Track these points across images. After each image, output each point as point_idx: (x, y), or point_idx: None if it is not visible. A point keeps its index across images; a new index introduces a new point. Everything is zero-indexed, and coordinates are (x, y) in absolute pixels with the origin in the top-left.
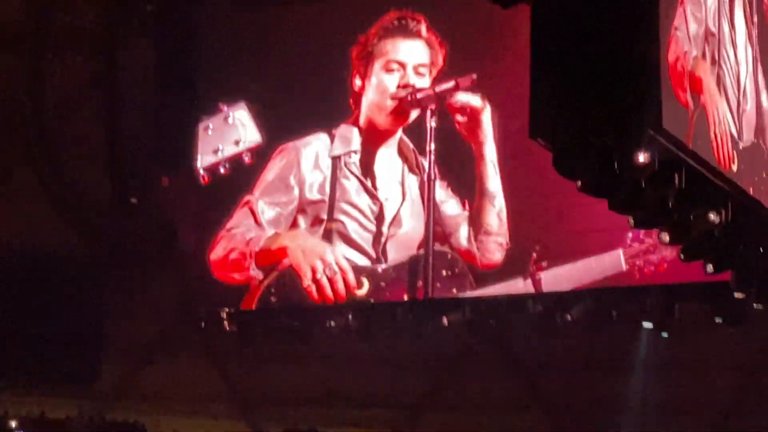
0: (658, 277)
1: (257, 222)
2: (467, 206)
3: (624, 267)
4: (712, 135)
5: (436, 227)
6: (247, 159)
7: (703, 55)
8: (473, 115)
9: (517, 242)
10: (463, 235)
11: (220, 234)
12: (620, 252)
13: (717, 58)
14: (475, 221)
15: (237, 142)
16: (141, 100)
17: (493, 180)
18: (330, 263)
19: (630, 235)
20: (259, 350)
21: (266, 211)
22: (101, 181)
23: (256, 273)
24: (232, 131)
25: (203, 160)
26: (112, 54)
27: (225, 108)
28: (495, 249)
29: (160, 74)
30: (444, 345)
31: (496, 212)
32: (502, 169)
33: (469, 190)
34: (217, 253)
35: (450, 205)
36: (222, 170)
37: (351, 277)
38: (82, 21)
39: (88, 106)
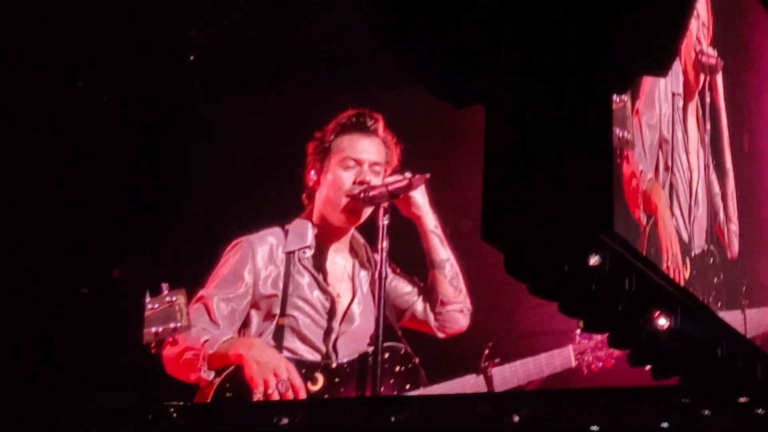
0: (605, 373)
1: (212, 319)
2: (418, 283)
3: (573, 363)
4: (664, 246)
5: (391, 311)
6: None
7: (657, 170)
8: (404, 193)
9: (471, 338)
10: (419, 309)
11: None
12: (570, 348)
13: (670, 164)
14: (430, 294)
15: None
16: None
17: (440, 250)
18: (283, 379)
19: (578, 331)
20: None
21: (221, 307)
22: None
23: (206, 375)
24: (170, 315)
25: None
26: (76, 135)
27: (166, 290)
28: (457, 317)
29: (126, 162)
30: None
31: (448, 281)
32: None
33: (421, 268)
34: (171, 350)
35: (400, 283)
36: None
37: (302, 395)
38: (46, 101)
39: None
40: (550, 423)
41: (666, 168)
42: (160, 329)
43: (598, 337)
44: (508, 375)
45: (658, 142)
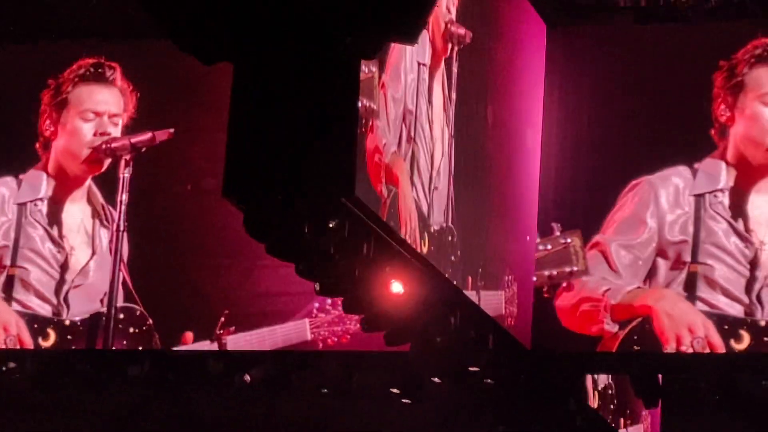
0: (340, 347)
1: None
2: None
3: (309, 336)
4: (403, 219)
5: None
6: None
7: (400, 143)
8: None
9: (208, 297)
10: None
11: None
12: (306, 321)
13: (413, 134)
14: None
15: None
16: None
17: None
18: (12, 335)
19: (316, 305)
20: None
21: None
22: None
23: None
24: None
25: None
26: None
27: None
28: None
29: None
30: (124, 397)
31: None
32: None
33: None
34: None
35: None
36: None
37: None
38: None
39: None
40: (281, 383)
41: (409, 139)
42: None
43: (336, 312)
44: (242, 342)
45: (402, 115)
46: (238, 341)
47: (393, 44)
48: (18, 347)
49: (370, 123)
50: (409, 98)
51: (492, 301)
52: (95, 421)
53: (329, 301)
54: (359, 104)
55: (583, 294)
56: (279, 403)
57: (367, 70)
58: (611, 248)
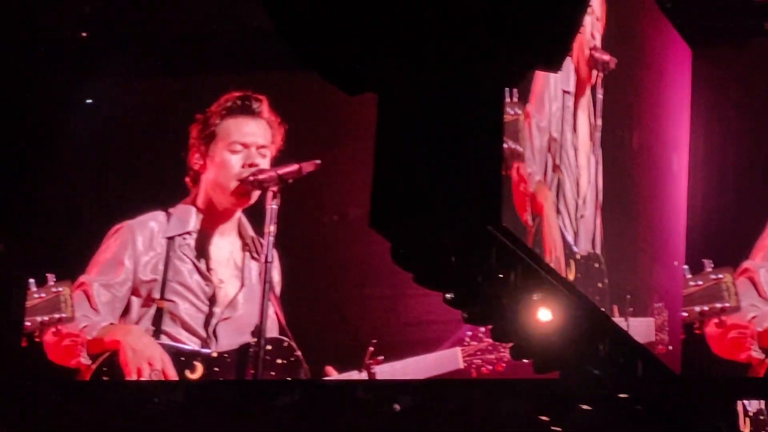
0: (496, 376)
1: (92, 305)
2: None
3: (461, 365)
4: (548, 247)
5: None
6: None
7: (545, 173)
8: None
9: (356, 329)
10: None
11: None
12: (458, 350)
13: (558, 163)
14: None
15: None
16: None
17: None
18: (157, 369)
19: (469, 333)
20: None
21: (101, 293)
22: None
23: (86, 360)
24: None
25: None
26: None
27: (52, 281)
28: None
29: None
30: (272, 427)
31: None
32: None
33: None
34: (52, 337)
35: None
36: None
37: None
38: None
39: None
40: (429, 413)
41: (555, 168)
42: (46, 318)
43: (488, 340)
44: (392, 372)
45: (547, 144)
46: (387, 371)
47: (537, 73)
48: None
49: (515, 164)
50: (554, 126)
51: (642, 328)
52: None
53: (482, 328)
54: (504, 145)
55: (732, 321)
56: None
57: (512, 112)
58: (760, 274)
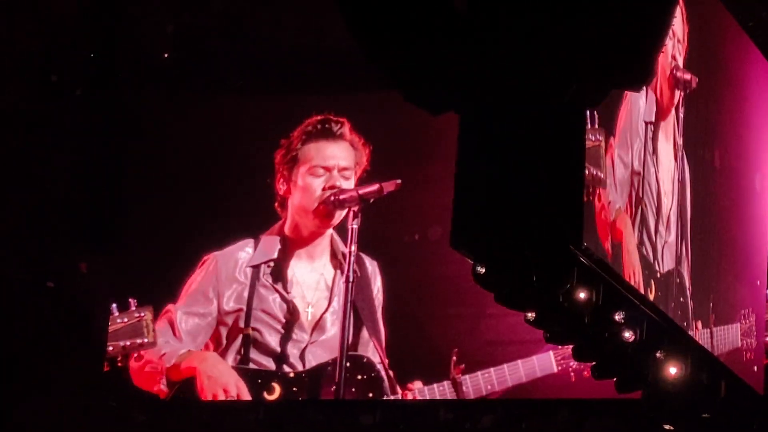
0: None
1: (175, 333)
2: None
3: (555, 369)
4: (627, 273)
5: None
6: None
7: (629, 202)
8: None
9: (437, 345)
10: None
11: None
12: (551, 354)
13: (641, 195)
14: None
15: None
16: (64, 185)
17: None
18: (231, 396)
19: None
20: None
21: (185, 321)
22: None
23: (165, 387)
24: (137, 330)
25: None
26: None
27: (134, 306)
28: None
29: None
30: None
31: None
32: None
33: None
34: (136, 363)
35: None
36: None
37: None
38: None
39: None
40: (512, 431)
41: (638, 201)
42: (128, 343)
43: None
44: (482, 382)
45: (629, 177)
46: (478, 379)
47: (621, 108)
48: None
49: (597, 190)
50: (636, 161)
51: (727, 336)
52: None
53: None
54: (586, 171)
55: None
56: None
57: (593, 138)
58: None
